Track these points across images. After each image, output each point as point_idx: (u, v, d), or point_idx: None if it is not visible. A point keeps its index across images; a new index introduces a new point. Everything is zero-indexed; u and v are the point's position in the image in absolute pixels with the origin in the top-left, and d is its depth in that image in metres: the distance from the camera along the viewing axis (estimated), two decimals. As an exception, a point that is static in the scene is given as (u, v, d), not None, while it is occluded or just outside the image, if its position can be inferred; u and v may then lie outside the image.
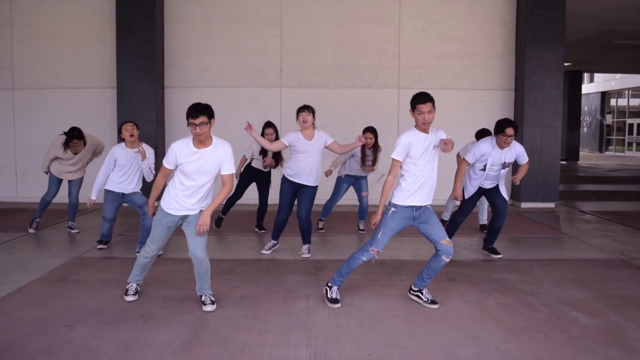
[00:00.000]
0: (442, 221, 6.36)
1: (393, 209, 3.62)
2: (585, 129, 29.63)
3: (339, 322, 3.42)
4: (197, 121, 3.39)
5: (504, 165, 4.93)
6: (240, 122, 8.39)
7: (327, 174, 6.00)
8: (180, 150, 3.50)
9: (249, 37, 8.57)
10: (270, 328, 3.29)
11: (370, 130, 5.88)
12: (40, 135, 8.72)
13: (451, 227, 5.29)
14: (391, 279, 4.39)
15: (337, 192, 6.22)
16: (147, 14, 8.24)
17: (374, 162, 5.93)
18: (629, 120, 27.23)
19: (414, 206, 3.61)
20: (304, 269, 4.67)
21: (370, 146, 5.87)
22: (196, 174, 3.50)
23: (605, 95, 28.76)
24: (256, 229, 6.33)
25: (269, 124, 6.07)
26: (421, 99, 3.58)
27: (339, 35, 8.55)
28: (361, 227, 6.37)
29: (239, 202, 6.20)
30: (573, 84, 21.34)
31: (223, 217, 6.34)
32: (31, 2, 8.63)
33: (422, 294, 3.79)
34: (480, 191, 5.13)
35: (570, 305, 3.78)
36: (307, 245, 5.21)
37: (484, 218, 6.51)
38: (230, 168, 3.58)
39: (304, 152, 4.89)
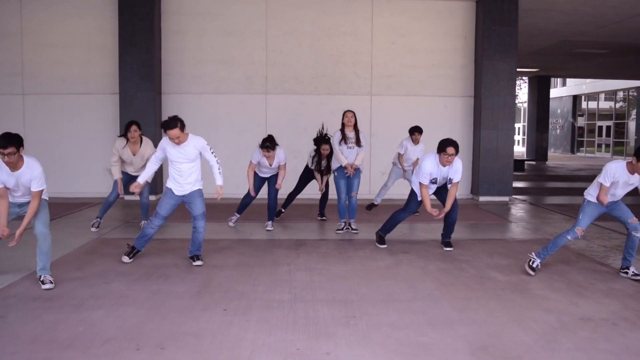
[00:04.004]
0: (372, 205, 7.98)
1: (590, 199, 4.72)
2: (558, 130, 31.11)
3: (313, 279, 4.48)
4: (7, 151, 3.82)
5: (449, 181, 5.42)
6: (230, 124, 9.52)
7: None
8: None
9: (238, 48, 9.58)
10: (261, 283, 4.34)
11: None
12: (48, 137, 9.62)
13: (392, 224, 5.74)
14: (357, 252, 5.46)
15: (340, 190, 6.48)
16: (146, 27, 9.18)
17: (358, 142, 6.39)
18: (599, 123, 28.70)
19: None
20: (287, 246, 5.72)
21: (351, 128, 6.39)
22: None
23: (576, 99, 30.24)
24: (318, 217, 7.39)
25: (326, 140, 6.70)
26: None
27: (318, 47, 9.61)
28: (354, 227, 6.52)
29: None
30: (542, 88, 22.68)
31: (284, 211, 7.36)
32: (40, 14, 9.50)
33: (629, 270, 4.74)
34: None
35: (493, 269, 4.89)
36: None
37: (378, 199, 7.92)
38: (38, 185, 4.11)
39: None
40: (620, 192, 4.66)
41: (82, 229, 6.59)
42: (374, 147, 9.65)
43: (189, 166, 4.75)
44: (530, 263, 4.78)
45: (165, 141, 4.75)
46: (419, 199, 5.43)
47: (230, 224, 6.81)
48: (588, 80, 27.84)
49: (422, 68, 9.68)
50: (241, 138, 9.47)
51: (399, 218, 5.68)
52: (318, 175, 6.95)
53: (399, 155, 7.51)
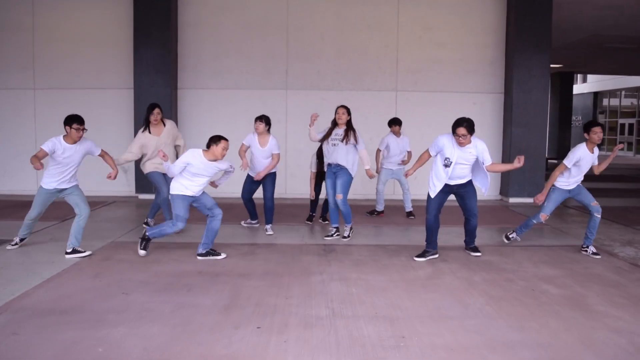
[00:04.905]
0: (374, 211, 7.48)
1: (556, 184, 5.38)
2: (577, 128, 30.33)
3: (350, 290, 4.10)
4: (82, 127, 5.11)
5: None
6: (249, 121, 9.10)
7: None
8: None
9: (258, 42, 9.20)
10: (294, 295, 3.97)
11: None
12: (59, 133, 9.26)
13: (428, 234, 5.14)
14: (392, 260, 5.07)
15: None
16: (163, 20, 8.84)
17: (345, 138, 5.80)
18: (621, 120, 27.95)
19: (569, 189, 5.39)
20: (316, 252, 5.35)
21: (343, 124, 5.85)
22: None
23: (597, 96, 29.50)
24: (320, 220, 6.98)
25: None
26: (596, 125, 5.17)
27: (341, 41, 9.21)
28: (345, 234, 5.92)
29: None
30: (564, 85, 22.08)
31: (314, 214, 6.99)
32: (53, 7, 9.19)
33: (588, 249, 5.42)
34: (447, 190, 5.06)
35: (543, 280, 4.48)
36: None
37: (380, 206, 7.43)
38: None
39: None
40: (584, 170, 5.29)
41: (97, 231, 6.25)
42: (399, 145, 9.24)
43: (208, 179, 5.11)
44: (508, 235, 5.77)
45: (197, 158, 4.91)
46: (432, 195, 5.02)
47: (244, 224, 6.71)
48: (610, 76, 27.12)
49: (450, 63, 9.25)
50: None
51: (428, 225, 5.09)
52: (312, 181, 6.75)
53: (377, 153, 7.28)
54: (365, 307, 3.73)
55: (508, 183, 9.10)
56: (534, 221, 5.57)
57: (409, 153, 7.46)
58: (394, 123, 7.28)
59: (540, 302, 3.95)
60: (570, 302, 3.95)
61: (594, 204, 5.37)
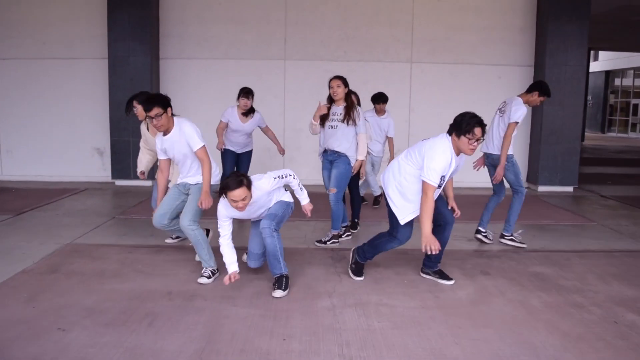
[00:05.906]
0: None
1: None
2: (591, 108, 29.14)
3: (370, 324, 3.01)
4: (152, 113, 3.48)
5: None
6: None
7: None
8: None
9: (252, 4, 8.00)
10: (295, 332, 2.88)
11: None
12: (26, 109, 8.16)
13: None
14: (419, 272, 3.97)
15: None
16: (141, -23, 7.63)
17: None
18: (634, 101, 26.75)
19: None
20: (321, 260, 4.25)
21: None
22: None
23: (609, 75, 28.22)
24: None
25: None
26: None
27: (348, 3, 8.00)
28: (324, 240, 4.73)
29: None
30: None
31: (357, 221, 5.37)
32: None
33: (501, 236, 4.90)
34: None
35: (622, 306, 3.40)
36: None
37: (377, 189, 6.28)
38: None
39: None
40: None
41: (55, 228, 5.15)
42: (413, 125, 8.10)
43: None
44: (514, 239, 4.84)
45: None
46: (402, 221, 3.55)
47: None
48: (623, 55, 25.80)
49: (473, 31, 8.04)
50: (254, 113, 7.95)
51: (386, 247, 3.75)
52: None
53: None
54: (396, 355, 2.64)
55: (537, 169, 7.98)
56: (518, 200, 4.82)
57: (391, 140, 6.20)
58: (380, 100, 6.06)
59: (634, 343, 2.86)
60: (673, 344, 2.87)
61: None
